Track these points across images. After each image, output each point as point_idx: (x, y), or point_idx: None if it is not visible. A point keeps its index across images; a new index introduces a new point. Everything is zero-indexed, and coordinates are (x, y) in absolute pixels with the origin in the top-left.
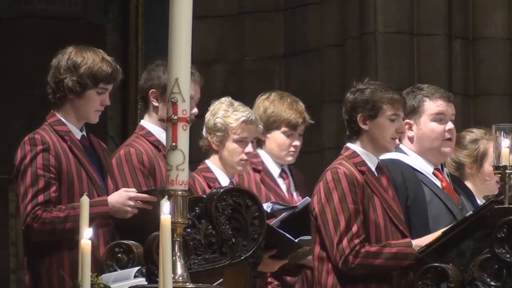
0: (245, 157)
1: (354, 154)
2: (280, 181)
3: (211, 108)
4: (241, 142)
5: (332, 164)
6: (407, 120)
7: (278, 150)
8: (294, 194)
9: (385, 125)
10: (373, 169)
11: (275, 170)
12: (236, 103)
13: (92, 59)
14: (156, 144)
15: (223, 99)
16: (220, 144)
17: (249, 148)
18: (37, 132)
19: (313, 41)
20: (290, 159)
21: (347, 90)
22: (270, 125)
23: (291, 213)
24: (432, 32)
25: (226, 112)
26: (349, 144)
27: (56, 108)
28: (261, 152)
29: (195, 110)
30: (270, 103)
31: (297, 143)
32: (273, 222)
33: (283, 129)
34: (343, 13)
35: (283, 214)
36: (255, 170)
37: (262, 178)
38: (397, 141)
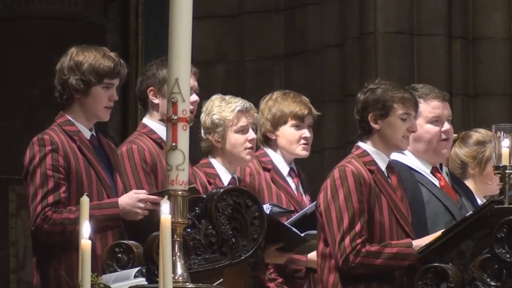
0: (249, 144)
1: (365, 153)
2: (289, 180)
3: (204, 108)
4: (242, 131)
5: (342, 162)
6: None
7: (289, 145)
8: (303, 193)
9: (396, 124)
10: (383, 168)
11: (284, 169)
12: (227, 97)
13: (94, 55)
14: (159, 142)
15: (213, 97)
16: (222, 139)
17: (251, 134)
18: (45, 133)
19: (313, 41)
20: (304, 153)
21: (347, 90)
22: (277, 121)
23: (302, 216)
24: (432, 32)
25: (220, 107)
26: (360, 143)
27: (65, 109)
28: (269, 151)
29: (196, 98)
30: (273, 102)
31: (307, 134)
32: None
33: (291, 122)
34: (343, 13)
35: (293, 217)
36: (265, 169)
37: (272, 177)
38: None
